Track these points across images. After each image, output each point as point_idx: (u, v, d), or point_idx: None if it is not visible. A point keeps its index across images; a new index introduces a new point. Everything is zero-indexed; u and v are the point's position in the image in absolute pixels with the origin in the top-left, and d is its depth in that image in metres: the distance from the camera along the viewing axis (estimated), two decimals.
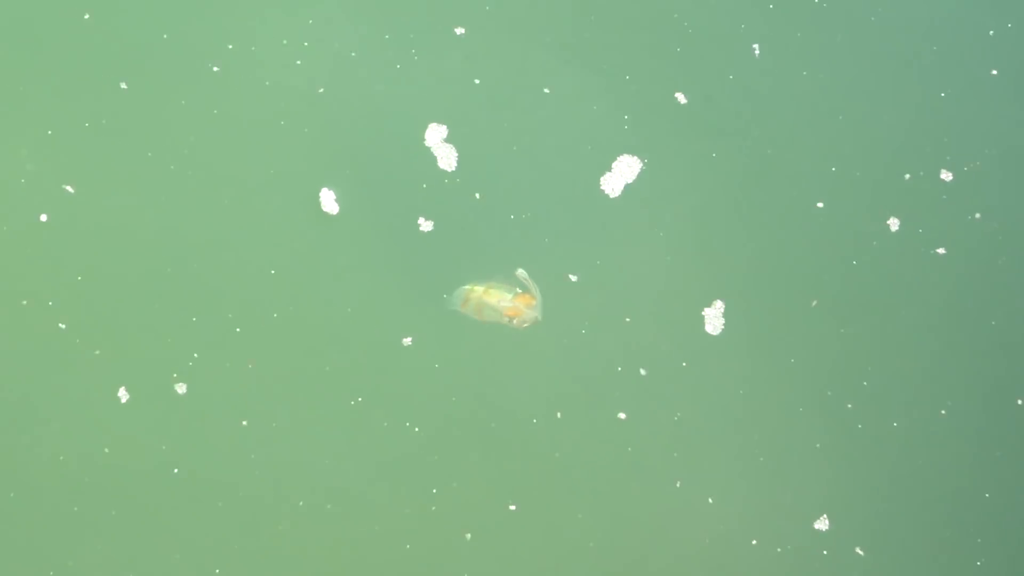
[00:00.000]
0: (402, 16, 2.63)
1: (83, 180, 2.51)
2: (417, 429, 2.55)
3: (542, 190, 2.63)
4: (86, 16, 2.57)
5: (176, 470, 2.49)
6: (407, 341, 2.56)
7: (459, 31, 2.64)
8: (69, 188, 2.50)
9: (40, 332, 2.47)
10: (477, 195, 2.60)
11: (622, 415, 2.61)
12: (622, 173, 2.63)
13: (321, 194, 2.56)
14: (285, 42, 2.60)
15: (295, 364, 2.54)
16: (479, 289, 2.42)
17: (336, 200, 2.57)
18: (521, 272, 2.46)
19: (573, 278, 2.60)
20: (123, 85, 2.54)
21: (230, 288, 2.54)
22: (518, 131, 2.64)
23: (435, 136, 2.60)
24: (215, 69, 2.57)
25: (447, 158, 2.60)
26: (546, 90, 2.65)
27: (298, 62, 2.59)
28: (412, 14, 2.64)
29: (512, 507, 2.57)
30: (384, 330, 2.57)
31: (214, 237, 2.54)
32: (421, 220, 2.58)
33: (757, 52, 2.69)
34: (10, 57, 2.54)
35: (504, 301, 2.39)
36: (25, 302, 2.48)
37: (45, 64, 2.55)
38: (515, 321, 2.39)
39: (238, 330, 2.52)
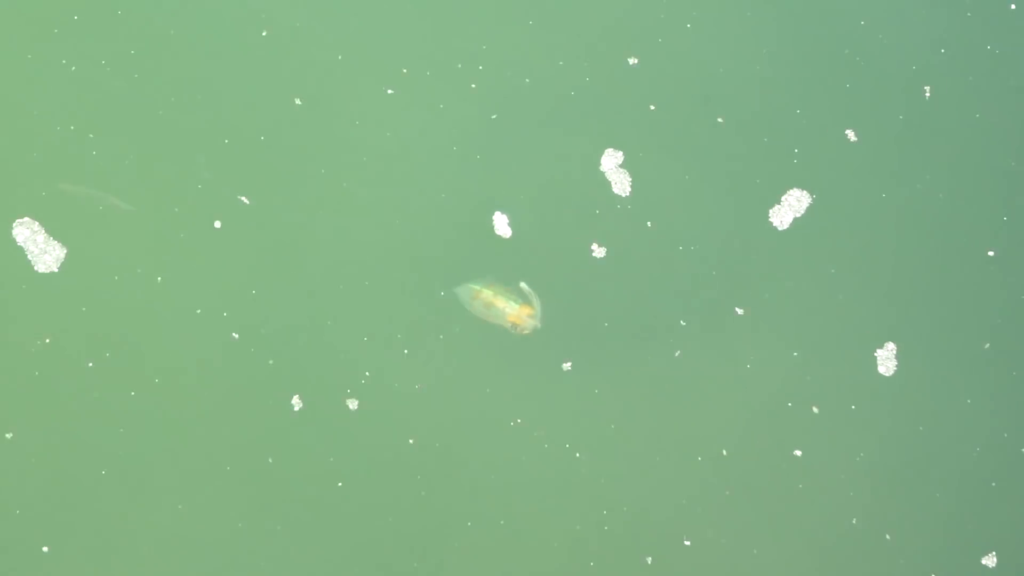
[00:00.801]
0: (575, 46, 2.75)
1: (258, 192, 2.66)
2: (578, 455, 2.65)
3: (711, 220, 2.73)
4: (264, 33, 2.74)
5: (340, 483, 2.60)
6: (567, 366, 2.66)
7: (632, 61, 2.77)
8: (244, 199, 2.65)
9: (214, 341, 2.59)
10: (648, 223, 2.71)
11: (797, 452, 2.68)
12: (791, 206, 2.72)
13: (494, 218, 2.69)
14: (460, 66, 2.74)
15: (460, 385, 2.64)
16: (488, 292, 2.60)
17: (509, 224, 2.69)
18: (524, 285, 2.62)
19: (739, 311, 2.69)
20: (297, 101, 2.70)
21: (400, 309, 2.65)
22: (690, 159, 2.73)
23: (611, 162, 2.72)
24: (389, 92, 2.72)
25: (621, 184, 2.71)
26: (719, 119, 2.76)
27: (472, 86, 2.73)
28: (585, 44, 2.75)
29: (687, 542, 2.65)
30: (546, 353, 2.66)
31: (385, 257, 2.66)
32: (594, 246, 2.70)
33: (928, 94, 2.78)
34: (191, 68, 2.68)
35: (509, 308, 2.59)
36: (199, 311, 2.62)
37: (223, 76, 2.68)
38: (517, 328, 2.59)
39: (406, 351, 2.64)
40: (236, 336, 2.60)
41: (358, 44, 2.71)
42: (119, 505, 2.55)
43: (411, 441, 2.60)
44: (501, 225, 2.66)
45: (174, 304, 2.60)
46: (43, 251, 2.57)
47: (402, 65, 2.70)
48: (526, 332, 2.62)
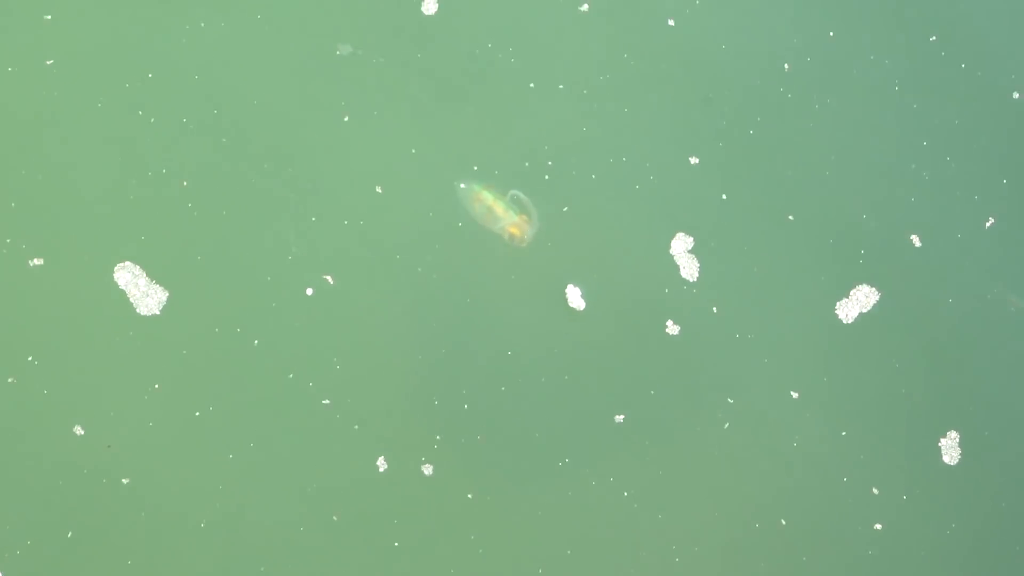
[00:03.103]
0: (637, 145, 3.36)
1: (341, 272, 3.27)
2: (626, 493, 3.21)
3: (777, 309, 3.31)
4: (345, 118, 3.40)
5: (396, 543, 3.15)
6: (619, 418, 3.24)
7: (694, 160, 3.60)
8: (328, 278, 3.44)
9: (305, 406, 3.18)
10: (714, 309, 3.50)
11: (878, 526, 3.29)
12: (859, 301, 3.47)
13: (567, 291, 3.43)
14: (527, 164, 3.53)
15: (522, 440, 3.20)
16: (487, 194, 3.21)
17: (583, 296, 3.44)
18: (518, 193, 3.25)
19: (794, 395, 3.38)
20: (378, 189, 3.52)
21: (467, 371, 3.21)
22: (759, 251, 3.31)
23: (680, 246, 3.53)
24: (461, 185, 3.53)
25: (689, 268, 3.50)
26: (790, 217, 3.56)
27: (546, 177, 3.58)
28: (647, 144, 3.37)
29: None
30: (599, 410, 3.27)
31: (456, 326, 3.22)
32: (669, 323, 3.45)
33: (990, 223, 3.42)
34: (277, 142, 3.31)
35: (509, 218, 3.20)
36: (291, 375, 3.23)
37: (307, 154, 3.31)
38: (515, 239, 3.19)
39: (466, 406, 3.21)
40: (327, 403, 3.19)
41: (429, 141, 3.33)
42: (213, 556, 3.09)
43: (469, 496, 3.14)
44: (575, 297, 3.40)
45: (271, 367, 3.19)
46: (145, 294, 3.15)
47: (472, 163, 3.50)
48: (523, 245, 3.20)
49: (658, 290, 3.22)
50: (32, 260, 3.11)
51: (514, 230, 3.21)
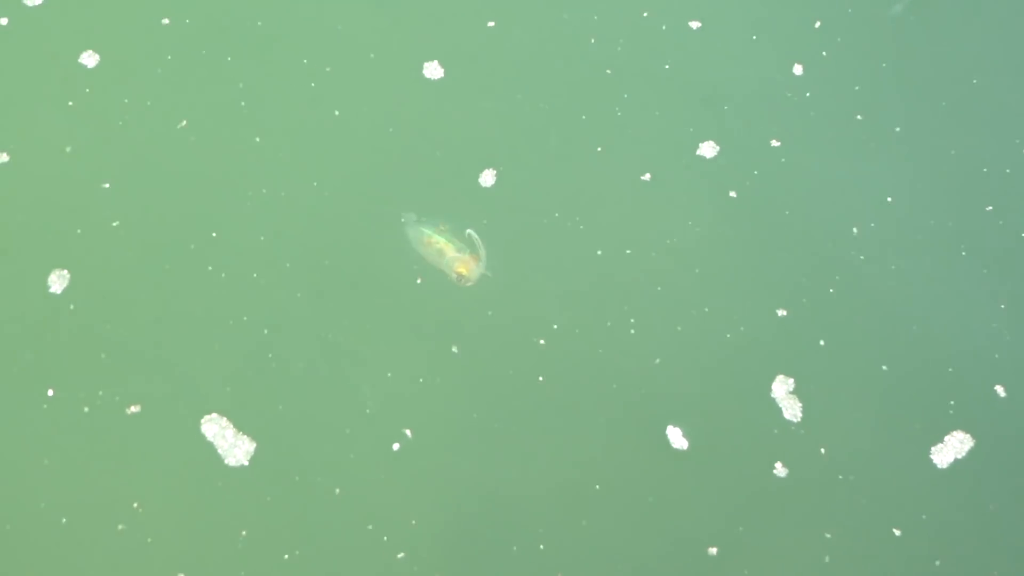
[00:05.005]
0: (718, 300, 3.61)
1: (419, 426, 3.45)
2: None
3: (873, 454, 3.43)
4: (418, 280, 3.67)
5: None
6: (712, 551, 3.32)
7: (781, 312, 3.74)
8: (408, 432, 3.64)
9: (377, 554, 3.28)
10: (822, 450, 3.71)
11: None
12: (953, 448, 3.66)
13: (668, 430, 3.58)
14: (609, 324, 3.56)
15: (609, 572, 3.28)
16: (439, 238, 3.50)
17: (684, 435, 3.60)
18: (471, 232, 3.47)
19: (896, 532, 3.46)
20: (454, 349, 3.75)
21: (543, 513, 3.42)
22: (857, 397, 3.46)
23: (781, 388, 3.74)
24: (541, 342, 3.77)
25: (792, 409, 3.73)
26: (884, 367, 3.69)
27: (632, 332, 3.75)
28: (728, 298, 3.62)
29: None
30: (692, 540, 3.37)
31: (544, 489, 3.42)
32: (778, 465, 3.63)
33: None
34: (357, 308, 3.59)
35: (459, 257, 3.48)
36: (371, 527, 3.34)
37: (381, 319, 3.60)
38: (463, 279, 3.44)
39: (541, 547, 3.36)
40: (401, 556, 3.28)
41: (504, 307, 3.58)
42: None
43: None
44: (676, 437, 3.48)
45: (351, 518, 3.29)
46: (233, 445, 3.29)
47: (552, 322, 3.64)
48: (470, 284, 3.41)
49: (764, 431, 3.35)
50: (129, 408, 3.34)
51: (461, 269, 3.48)
